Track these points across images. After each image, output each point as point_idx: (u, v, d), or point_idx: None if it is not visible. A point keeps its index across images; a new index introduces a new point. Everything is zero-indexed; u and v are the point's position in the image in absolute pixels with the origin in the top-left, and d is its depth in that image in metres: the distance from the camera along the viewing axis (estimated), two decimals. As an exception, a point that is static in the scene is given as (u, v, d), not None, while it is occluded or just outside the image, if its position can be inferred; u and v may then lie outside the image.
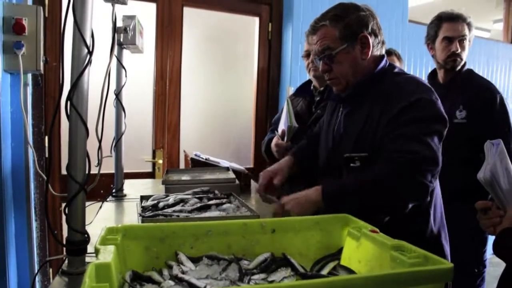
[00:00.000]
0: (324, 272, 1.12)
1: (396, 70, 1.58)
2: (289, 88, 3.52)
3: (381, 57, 1.59)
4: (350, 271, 1.12)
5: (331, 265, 1.15)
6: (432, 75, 2.62)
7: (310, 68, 2.36)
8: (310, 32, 1.60)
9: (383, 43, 1.60)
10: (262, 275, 1.06)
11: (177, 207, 1.64)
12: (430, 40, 2.54)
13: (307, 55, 2.37)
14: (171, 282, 0.96)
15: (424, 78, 4.38)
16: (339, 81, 1.58)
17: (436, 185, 1.57)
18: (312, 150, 1.83)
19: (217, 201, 1.73)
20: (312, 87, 2.45)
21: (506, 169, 1.19)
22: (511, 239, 1.12)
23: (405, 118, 1.41)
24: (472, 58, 4.70)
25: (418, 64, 4.30)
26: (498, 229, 1.17)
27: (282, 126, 2.34)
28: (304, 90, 2.55)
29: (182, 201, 1.71)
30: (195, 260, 1.09)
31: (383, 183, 1.39)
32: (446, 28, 2.46)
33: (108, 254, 0.87)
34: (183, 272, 1.01)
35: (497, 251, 1.13)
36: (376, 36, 1.55)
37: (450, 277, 0.86)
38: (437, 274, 0.86)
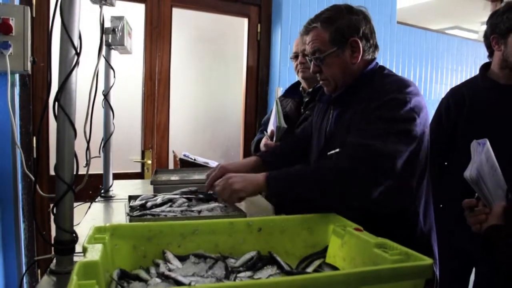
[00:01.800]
0: (310, 270, 1.14)
1: (385, 71, 1.57)
2: (278, 89, 3.55)
3: (372, 61, 1.59)
4: (334, 268, 1.14)
5: (316, 263, 1.17)
6: (485, 70, 2.21)
7: (298, 69, 2.38)
8: (303, 32, 1.62)
9: (375, 47, 1.59)
10: (248, 273, 1.08)
11: (165, 207, 1.65)
12: (499, 33, 2.07)
13: (296, 56, 2.40)
14: (158, 280, 0.98)
15: (411, 79, 4.45)
16: (329, 83, 1.60)
17: (425, 186, 1.57)
18: (290, 153, 1.86)
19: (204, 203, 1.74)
20: (301, 88, 2.47)
21: (492, 167, 1.22)
22: (497, 235, 1.15)
23: (373, 116, 1.41)
24: (459, 59, 4.77)
25: (407, 65, 4.34)
26: (484, 226, 1.20)
27: (271, 127, 2.36)
28: (293, 91, 2.58)
29: (170, 201, 1.71)
30: (182, 259, 1.11)
31: (326, 172, 1.38)
32: None
33: (96, 253, 0.88)
34: (170, 270, 1.02)
35: (484, 248, 1.17)
36: (367, 40, 1.55)
37: (429, 274, 0.89)
38: (416, 270, 0.88)
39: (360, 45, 1.52)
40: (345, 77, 1.56)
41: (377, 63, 1.61)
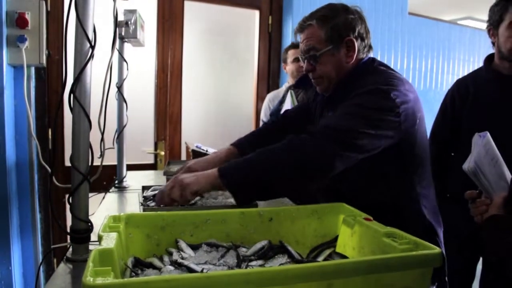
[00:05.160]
0: (320, 259, 1.16)
1: (375, 64, 1.57)
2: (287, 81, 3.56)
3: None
4: (344, 257, 1.15)
5: (326, 252, 1.19)
6: (489, 61, 2.22)
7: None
8: (297, 30, 1.60)
9: (370, 47, 1.59)
10: (260, 262, 1.09)
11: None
12: (493, 25, 2.12)
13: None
14: (171, 267, 1.00)
15: (423, 71, 4.44)
16: (322, 81, 1.58)
17: (427, 178, 1.58)
18: (268, 138, 1.76)
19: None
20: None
21: (493, 159, 1.22)
22: (495, 225, 1.16)
23: (347, 103, 1.41)
24: (472, 50, 4.72)
25: (418, 56, 4.31)
26: (485, 216, 1.21)
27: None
28: (304, 81, 2.58)
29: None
30: (195, 247, 1.13)
31: (282, 150, 1.33)
32: None
33: (111, 241, 0.90)
34: (182, 258, 1.05)
35: (483, 238, 1.18)
36: (362, 40, 1.54)
37: (438, 262, 0.90)
38: (424, 259, 0.89)
39: (356, 44, 1.52)
40: (338, 75, 1.55)
41: (369, 57, 1.60)
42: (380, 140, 1.38)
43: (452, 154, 2.31)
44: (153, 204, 1.52)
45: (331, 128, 1.35)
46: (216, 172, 1.33)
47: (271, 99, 3.17)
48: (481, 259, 2.25)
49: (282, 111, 2.48)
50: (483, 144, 1.22)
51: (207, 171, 1.37)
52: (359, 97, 1.41)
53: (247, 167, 1.33)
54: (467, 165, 1.22)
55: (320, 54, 1.52)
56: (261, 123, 3.20)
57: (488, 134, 1.23)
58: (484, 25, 2.30)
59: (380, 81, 1.44)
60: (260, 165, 1.33)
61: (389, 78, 1.45)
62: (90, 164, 1.21)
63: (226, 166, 1.37)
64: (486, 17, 2.20)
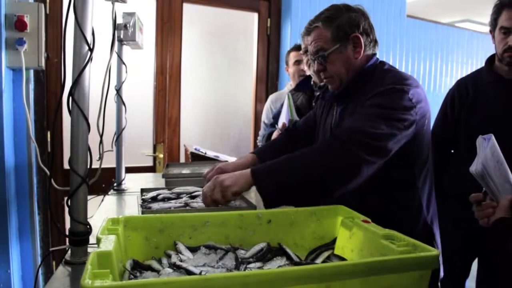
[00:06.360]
0: (318, 261, 1.15)
1: (386, 67, 1.61)
2: (288, 84, 3.56)
3: (373, 56, 1.63)
4: (343, 259, 1.15)
5: (325, 254, 1.19)
6: (490, 62, 2.22)
7: (310, 64, 2.40)
8: (304, 33, 1.66)
9: (375, 42, 1.64)
10: (258, 264, 1.09)
11: (177, 201, 1.67)
12: (492, 28, 2.13)
13: (306, 51, 2.41)
14: (169, 270, 1.00)
15: (421, 73, 4.45)
16: (334, 80, 1.63)
17: (428, 178, 1.60)
18: (283, 148, 1.83)
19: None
20: (312, 82, 2.49)
21: (498, 161, 1.22)
22: (504, 228, 1.16)
23: (368, 102, 1.45)
24: (470, 52, 4.73)
25: (416, 59, 4.32)
26: (492, 219, 1.21)
27: (282, 120, 2.39)
28: (304, 85, 2.60)
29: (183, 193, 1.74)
30: (193, 250, 1.13)
31: (312, 155, 1.38)
32: (505, 16, 2.03)
33: (109, 243, 0.90)
34: (181, 261, 1.05)
35: (491, 241, 1.17)
36: (368, 35, 1.60)
37: (436, 264, 0.90)
38: (423, 261, 0.89)
39: (362, 40, 1.57)
40: (349, 72, 1.59)
41: (377, 58, 1.65)
42: (402, 141, 1.42)
43: (452, 151, 2.33)
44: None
45: (357, 132, 1.37)
46: (249, 173, 1.39)
47: (273, 100, 3.17)
48: (476, 259, 2.27)
49: (282, 115, 2.48)
50: (488, 146, 1.22)
51: (243, 171, 1.42)
52: (377, 97, 1.45)
53: (278, 170, 1.38)
54: (474, 167, 1.22)
55: (328, 53, 1.57)
56: (262, 125, 3.21)
57: (493, 136, 1.23)
58: (482, 28, 2.31)
59: (395, 81, 1.48)
60: (291, 168, 1.37)
61: (403, 78, 1.50)
62: (88, 166, 1.21)
63: (258, 167, 1.42)
64: (484, 20, 2.22)
